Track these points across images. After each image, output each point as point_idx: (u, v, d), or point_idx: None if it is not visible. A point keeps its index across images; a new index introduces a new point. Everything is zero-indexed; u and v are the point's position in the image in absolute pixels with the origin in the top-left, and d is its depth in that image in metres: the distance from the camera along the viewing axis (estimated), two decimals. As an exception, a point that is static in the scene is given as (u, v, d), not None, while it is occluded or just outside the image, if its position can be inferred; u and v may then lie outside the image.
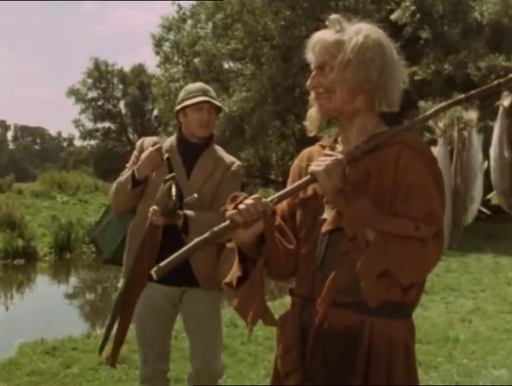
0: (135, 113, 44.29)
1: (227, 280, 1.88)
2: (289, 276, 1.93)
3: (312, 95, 1.92)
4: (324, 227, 1.85)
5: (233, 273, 1.87)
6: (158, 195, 2.88)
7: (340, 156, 1.81)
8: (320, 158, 1.83)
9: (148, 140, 3.24)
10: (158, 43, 22.33)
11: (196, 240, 1.76)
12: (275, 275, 1.91)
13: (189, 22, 21.32)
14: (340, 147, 1.93)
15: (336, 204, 1.80)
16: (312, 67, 1.90)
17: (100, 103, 43.81)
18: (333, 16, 1.89)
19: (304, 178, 1.84)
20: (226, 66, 20.01)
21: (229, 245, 1.85)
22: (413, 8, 14.57)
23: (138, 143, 3.26)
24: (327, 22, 1.89)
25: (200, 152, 3.18)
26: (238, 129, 16.70)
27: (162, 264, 1.73)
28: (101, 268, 11.77)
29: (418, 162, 1.80)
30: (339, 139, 1.96)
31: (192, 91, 3.18)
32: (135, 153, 3.22)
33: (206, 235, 1.76)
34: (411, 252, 1.73)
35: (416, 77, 13.88)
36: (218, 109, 3.23)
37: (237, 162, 3.24)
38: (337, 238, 1.81)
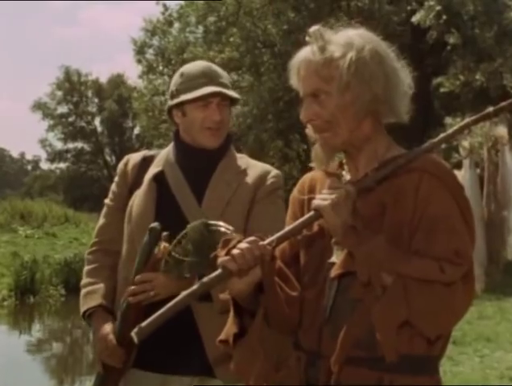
0: (113, 131, 44.61)
1: (222, 337, 1.86)
2: (293, 328, 1.91)
3: (310, 129, 1.90)
4: (333, 272, 1.84)
5: (229, 328, 1.86)
6: (138, 259, 2.38)
7: (348, 187, 1.81)
8: (325, 191, 1.82)
9: (135, 157, 2.69)
10: (140, 50, 22.59)
11: (183, 293, 1.76)
12: (277, 328, 1.89)
13: (176, 25, 21.59)
14: (347, 175, 1.93)
15: (347, 244, 1.80)
16: (301, 95, 1.89)
17: (71, 119, 44.19)
18: (313, 29, 1.86)
19: (308, 215, 1.83)
20: (220, 76, 20.16)
21: (223, 296, 1.85)
22: (438, 8, 14.60)
23: (122, 163, 2.72)
24: (307, 38, 1.87)
25: (213, 164, 2.56)
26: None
27: (144, 324, 1.72)
28: (71, 315, 11.71)
29: (441, 192, 1.80)
30: (345, 165, 1.96)
31: (193, 76, 2.54)
32: (116, 179, 2.70)
33: (195, 287, 1.75)
34: (436, 298, 1.72)
35: (442, 89, 14.01)
36: (232, 101, 2.62)
37: (274, 171, 2.61)
38: (348, 283, 1.81)
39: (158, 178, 2.57)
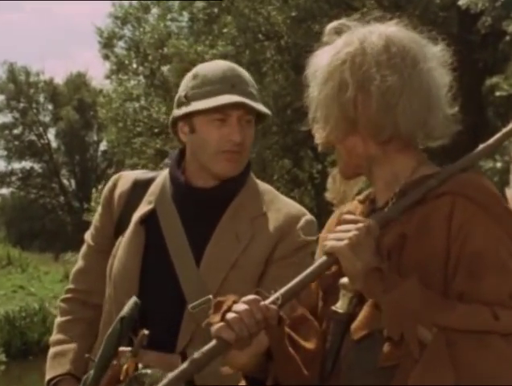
0: (72, 147, 44.72)
1: None
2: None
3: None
4: (354, 333, 1.85)
5: None
6: (98, 362, 2.34)
7: (368, 221, 1.82)
8: (339, 228, 1.84)
9: (124, 180, 2.66)
10: (107, 42, 22.75)
11: (170, 375, 1.77)
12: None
13: (155, 10, 21.75)
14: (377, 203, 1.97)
15: (371, 293, 1.80)
16: None
17: (17, 131, 44.35)
18: (331, 25, 1.93)
19: (320, 261, 1.85)
20: (211, 76, 20.24)
21: (225, 370, 1.86)
22: (493, -12, 14.74)
23: (107, 188, 2.67)
24: (324, 38, 1.93)
25: (221, 206, 2.51)
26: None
27: None
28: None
29: (482, 220, 1.81)
30: (372, 192, 2.00)
31: (210, 79, 2.49)
32: (100, 210, 2.70)
33: (184, 366, 1.76)
34: (492, 353, 1.72)
35: (498, 93, 14.04)
36: (259, 117, 2.58)
37: (305, 217, 2.51)
38: (372, 344, 1.82)
39: (149, 220, 2.53)
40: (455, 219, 1.80)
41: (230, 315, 1.76)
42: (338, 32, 1.92)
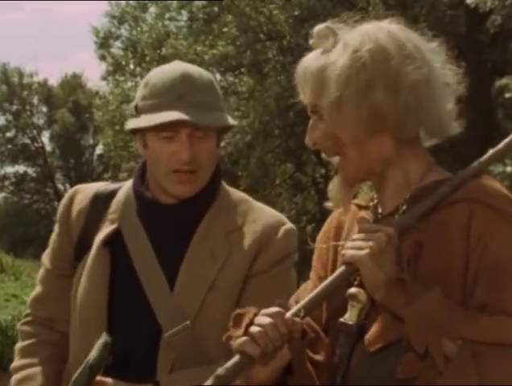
0: (67, 151, 44.75)
1: None
2: None
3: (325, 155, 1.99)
4: (370, 345, 1.85)
5: None
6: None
7: (388, 229, 1.82)
8: (357, 235, 1.84)
9: (82, 195, 2.52)
10: (103, 43, 22.76)
11: None
12: None
13: (152, 9, 21.75)
14: (380, 209, 1.96)
15: (394, 304, 1.80)
16: (309, 112, 1.97)
17: (10, 134, 44.34)
18: (319, 27, 1.93)
19: (339, 271, 1.85)
20: (210, 78, 20.23)
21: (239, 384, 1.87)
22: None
23: (63, 204, 2.55)
24: (310, 41, 1.94)
25: (193, 223, 2.38)
26: (229, 176, 16.80)
27: None
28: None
29: (501, 228, 1.81)
30: (375, 198, 1.99)
31: (159, 88, 2.35)
32: (56, 229, 2.55)
33: (208, 383, 1.76)
34: None
35: (508, 94, 14.03)
36: (223, 128, 2.45)
37: (285, 227, 2.40)
38: (387, 355, 1.82)
39: (113, 241, 2.39)
40: (474, 227, 1.81)
41: (254, 329, 1.76)
42: (325, 35, 1.92)
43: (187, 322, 2.27)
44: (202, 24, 18.98)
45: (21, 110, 44.08)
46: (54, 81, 46.48)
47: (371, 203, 2.00)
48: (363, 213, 1.98)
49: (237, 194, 2.49)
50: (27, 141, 44.65)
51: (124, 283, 2.37)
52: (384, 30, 1.90)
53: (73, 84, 45.51)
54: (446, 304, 1.76)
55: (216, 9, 18.58)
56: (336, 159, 1.95)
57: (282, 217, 2.45)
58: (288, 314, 1.79)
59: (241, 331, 1.78)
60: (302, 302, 1.83)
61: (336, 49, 1.89)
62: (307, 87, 1.93)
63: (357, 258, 1.80)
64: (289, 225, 2.40)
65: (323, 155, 2.00)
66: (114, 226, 2.40)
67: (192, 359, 2.30)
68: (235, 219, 2.39)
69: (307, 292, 1.98)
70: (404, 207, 1.89)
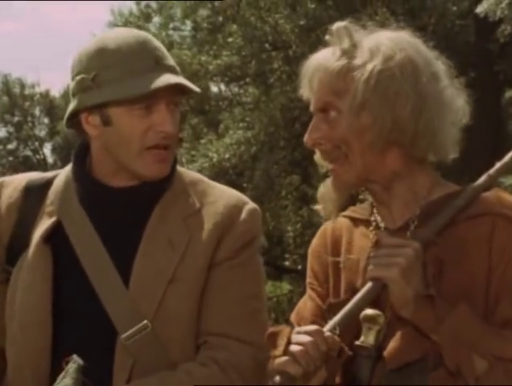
0: (69, 163, 44.75)
1: None
2: None
3: (319, 156, 1.97)
4: (390, 363, 1.84)
5: None
6: None
7: (414, 244, 1.81)
8: (381, 251, 1.83)
9: (11, 187, 2.26)
10: (108, 53, 22.79)
11: None
12: None
13: (156, 19, 21.82)
14: (381, 222, 1.96)
15: (424, 322, 1.80)
16: (312, 109, 1.96)
17: (11, 146, 44.41)
18: (337, 25, 1.93)
19: (366, 288, 1.85)
20: (215, 89, 20.35)
21: None
22: (514, -6, 14.76)
23: None
24: (327, 37, 1.94)
25: (146, 208, 2.15)
26: (233, 188, 16.77)
27: None
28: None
29: None
30: (375, 210, 1.99)
31: (125, 55, 2.11)
32: None
33: None
34: None
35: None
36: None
37: (247, 207, 2.20)
38: (409, 373, 1.82)
39: (54, 237, 2.15)
40: (496, 241, 1.82)
41: (295, 348, 1.76)
42: (342, 35, 1.92)
43: (146, 322, 2.06)
44: (206, 34, 19.06)
45: (22, 122, 44.16)
46: (56, 92, 46.37)
47: (372, 218, 1.99)
48: (362, 228, 1.99)
49: (191, 174, 2.27)
50: (29, 153, 44.74)
51: (70, 282, 2.14)
52: (410, 41, 1.91)
53: (78, 95, 45.71)
54: (476, 320, 1.77)
55: (220, 18, 18.66)
56: (331, 164, 1.94)
57: (243, 196, 2.25)
58: (328, 332, 1.79)
59: (280, 351, 1.77)
60: (335, 319, 1.83)
61: (361, 52, 1.89)
62: (319, 83, 1.92)
63: (387, 276, 1.80)
64: (252, 205, 2.20)
65: (316, 157, 1.98)
66: (53, 219, 2.16)
67: (152, 364, 2.08)
68: (193, 202, 2.17)
69: (308, 310, 2.00)
70: (416, 223, 1.89)
